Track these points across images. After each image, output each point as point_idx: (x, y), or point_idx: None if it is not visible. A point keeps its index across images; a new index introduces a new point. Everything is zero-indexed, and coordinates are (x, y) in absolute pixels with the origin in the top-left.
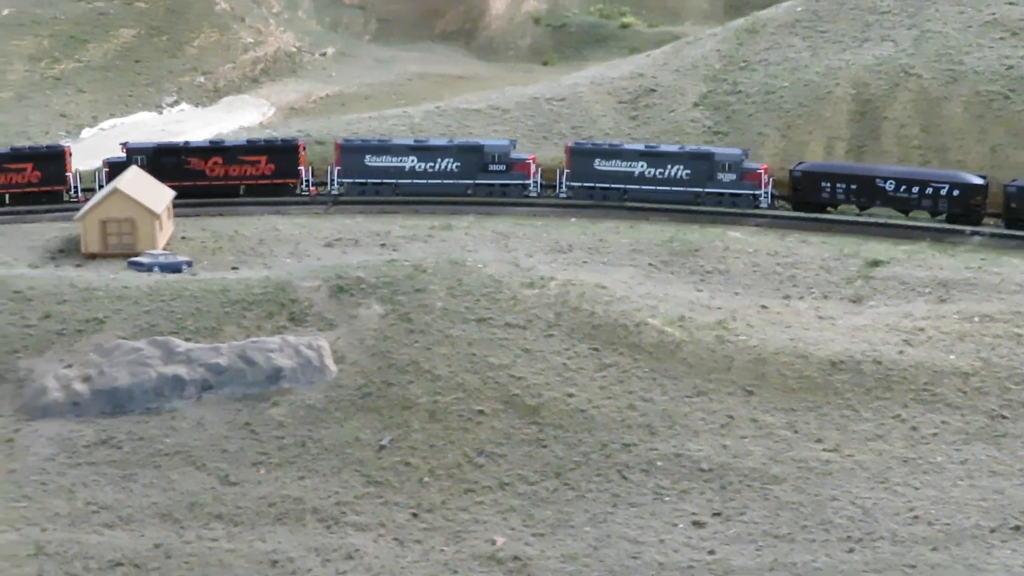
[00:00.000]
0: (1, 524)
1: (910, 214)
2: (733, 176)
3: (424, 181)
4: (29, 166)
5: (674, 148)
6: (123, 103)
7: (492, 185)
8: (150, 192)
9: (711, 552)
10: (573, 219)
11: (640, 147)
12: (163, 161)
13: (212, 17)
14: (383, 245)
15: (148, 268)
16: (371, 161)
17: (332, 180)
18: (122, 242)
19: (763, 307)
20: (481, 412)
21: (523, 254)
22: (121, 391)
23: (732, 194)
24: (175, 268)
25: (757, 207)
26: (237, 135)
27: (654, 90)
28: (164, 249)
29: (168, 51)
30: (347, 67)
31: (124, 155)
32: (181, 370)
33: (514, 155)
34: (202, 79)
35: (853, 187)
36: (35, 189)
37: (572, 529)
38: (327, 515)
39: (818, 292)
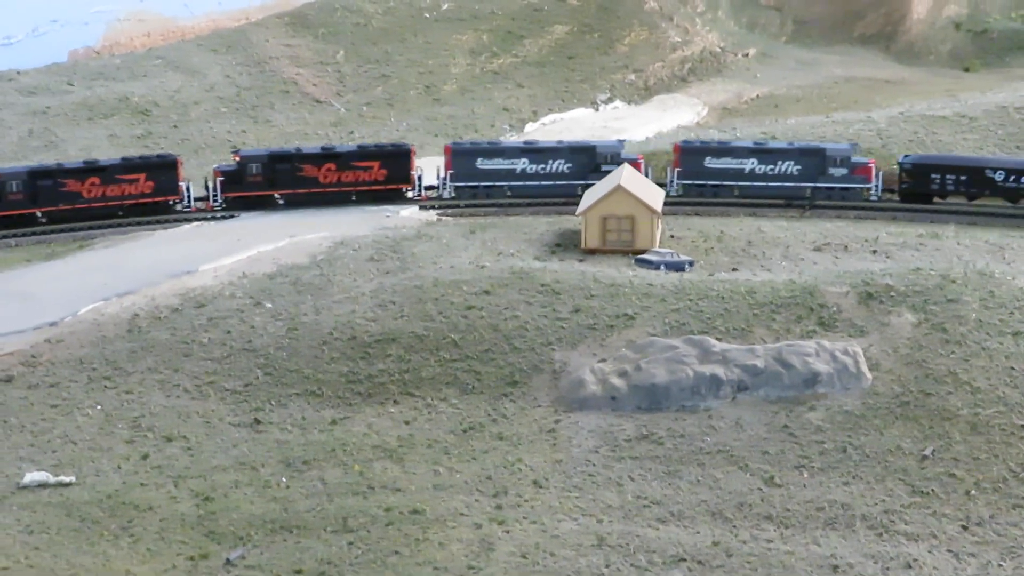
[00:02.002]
0: (558, 513)
1: (1019, 203)
2: (844, 171)
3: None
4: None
5: (784, 144)
6: (560, 98)
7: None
8: (648, 190)
9: None
10: None
11: (750, 144)
12: (277, 168)
13: (642, 15)
14: (874, 252)
15: (656, 266)
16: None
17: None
18: (621, 239)
19: None
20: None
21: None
22: (659, 388)
23: (843, 188)
24: (679, 267)
25: (867, 200)
26: (676, 134)
27: None
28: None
29: (600, 48)
30: (769, 68)
31: (235, 163)
32: (718, 370)
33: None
34: (633, 77)
35: (963, 178)
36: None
37: None
38: (876, 522)
39: None
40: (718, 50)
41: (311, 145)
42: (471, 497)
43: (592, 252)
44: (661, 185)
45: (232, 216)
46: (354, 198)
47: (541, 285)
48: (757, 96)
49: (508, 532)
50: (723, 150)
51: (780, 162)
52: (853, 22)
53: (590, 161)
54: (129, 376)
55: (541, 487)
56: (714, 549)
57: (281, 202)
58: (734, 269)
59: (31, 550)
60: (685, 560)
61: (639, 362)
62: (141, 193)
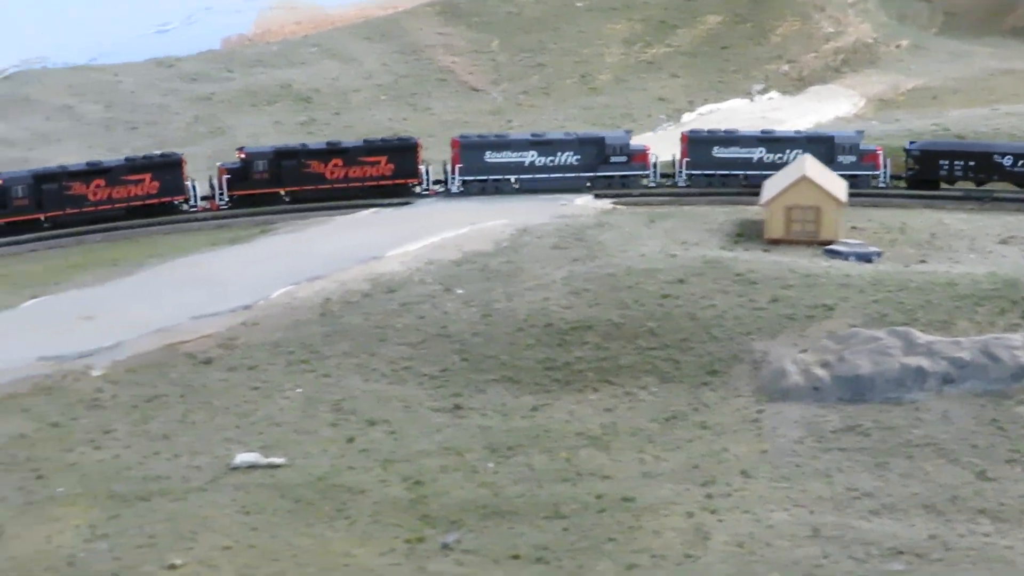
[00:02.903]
0: (769, 503)
1: None
2: (853, 158)
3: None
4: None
5: (792, 133)
6: (714, 89)
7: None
8: (832, 181)
9: None
10: None
11: (757, 133)
12: (283, 165)
13: (794, 6)
14: None
15: (845, 256)
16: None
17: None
18: (805, 229)
19: None
20: None
21: None
22: (863, 379)
23: (851, 175)
24: (867, 258)
25: (875, 187)
26: (835, 126)
27: None
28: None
29: (753, 38)
30: (921, 60)
31: (240, 160)
32: (923, 362)
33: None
34: (786, 67)
35: (971, 164)
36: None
37: None
38: None
39: None
40: (870, 41)
41: (316, 141)
42: (680, 486)
43: (776, 242)
44: (670, 176)
45: (408, 203)
46: (361, 194)
47: (736, 274)
48: (913, 88)
49: (721, 521)
50: (731, 139)
51: (789, 151)
52: (1004, 14)
53: (599, 153)
54: (326, 360)
55: (749, 477)
56: (931, 542)
57: (287, 199)
58: (922, 261)
59: (250, 531)
60: (903, 553)
61: (842, 353)
62: (147, 194)
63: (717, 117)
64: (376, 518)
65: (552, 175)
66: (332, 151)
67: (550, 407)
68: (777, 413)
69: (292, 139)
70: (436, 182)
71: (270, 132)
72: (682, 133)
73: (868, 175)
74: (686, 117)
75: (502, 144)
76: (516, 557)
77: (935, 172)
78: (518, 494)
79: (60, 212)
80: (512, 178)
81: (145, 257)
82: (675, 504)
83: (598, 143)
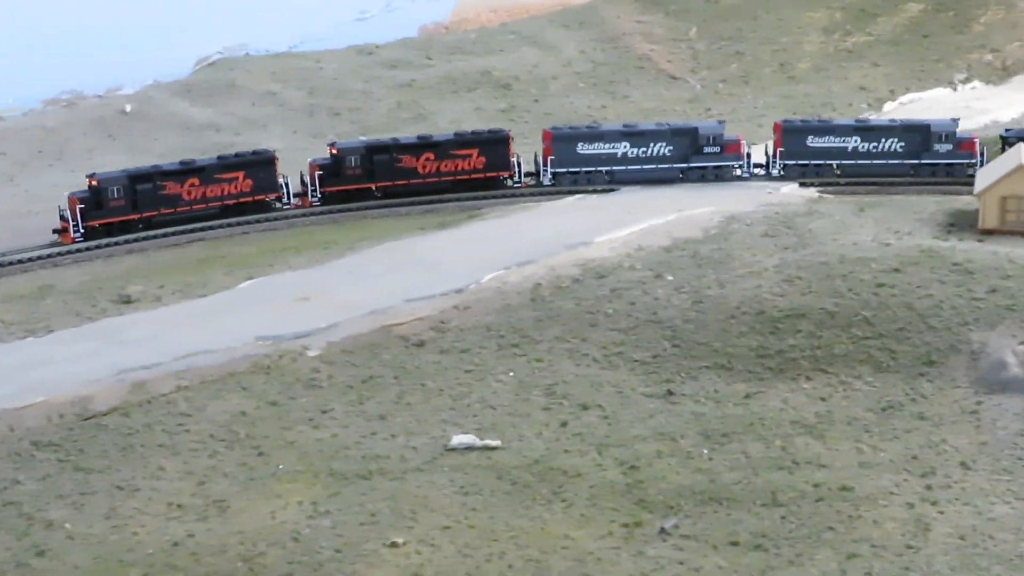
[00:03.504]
0: (990, 496)
1: None
2: (949, 146)
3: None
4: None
5: (887, 121)
6: (915, 78)
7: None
8: None
9: None
10: None
11: (852, 122)
12: (375, 160)
13: None
14: None
15: None
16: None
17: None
18: (1020, 219)
19: None
20: None
21: None
22: None
23: (947, 164)
24: None
25: (970, 176)
26: None
27: None
28: None
29: (954, 27)
30: None
31: (332, 156)
32: None
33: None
34: (990, 57)
35: None
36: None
37: None
38: None
39: None
40: None
41: (407, 135)
42: (899, 476)
43: (990, 233)
44: (760, 166)
45: (613, 190)
46: (453, 188)
47: (953, 264)
48: None
49: (942, 513)
50: (825, 129)
51: (883, 139)
52: None
53: (692, 143)
54: (537, 344)
55: (969, 469)
56: None
57: (379, 195)
58: None
59: (468, 511)
60: None
61: None
62: (240, 192)
63: (919, 106)
64: (593, 502)
65: (644, 166)
66: (424, 145)
67: (763, 395)
68: (996, 405)
69: (493, 125)
70: (527, 174)
71: (472, 118)
72: (775, 123)
73: (964, 163)
74: (888, 106)
75: (594, 136)
76: (735, 544)
77: None
78: (734, 481)
79: (155, 212)
80: (604, 170)
81: (356, 240)
82: (894, 495)
83: (691, 134)
